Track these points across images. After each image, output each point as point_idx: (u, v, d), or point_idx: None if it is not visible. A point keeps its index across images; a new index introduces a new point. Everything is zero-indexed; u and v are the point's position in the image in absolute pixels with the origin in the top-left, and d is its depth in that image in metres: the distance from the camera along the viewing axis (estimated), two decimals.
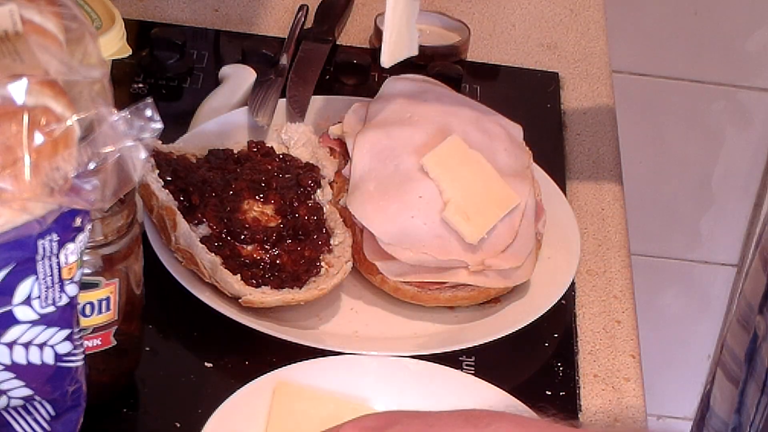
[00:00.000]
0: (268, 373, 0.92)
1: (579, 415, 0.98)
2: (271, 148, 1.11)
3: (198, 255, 0.99)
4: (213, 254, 1.00)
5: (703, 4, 1.99)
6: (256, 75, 1.24)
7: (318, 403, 0.92)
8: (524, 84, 1.34)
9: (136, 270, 0.90)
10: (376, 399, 0.93)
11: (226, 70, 1.25)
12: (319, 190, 1.07)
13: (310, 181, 1.07)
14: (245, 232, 1.02)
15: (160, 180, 1.03)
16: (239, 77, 1.24)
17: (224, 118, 1.18)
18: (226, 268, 0.99)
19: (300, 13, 1.33)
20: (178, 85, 1.24)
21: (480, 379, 0.96)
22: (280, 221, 1.05)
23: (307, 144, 1.13)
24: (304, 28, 1.32)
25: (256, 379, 0.92)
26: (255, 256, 1.02)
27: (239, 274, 0.99)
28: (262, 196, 1.06)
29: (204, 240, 1.01)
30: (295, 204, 1.06)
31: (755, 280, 1.14)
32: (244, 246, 1.02)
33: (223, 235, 1.02)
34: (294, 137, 1.13)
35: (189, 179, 1.05)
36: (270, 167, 1.09)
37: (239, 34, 1.33)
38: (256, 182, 1.06)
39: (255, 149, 1.11)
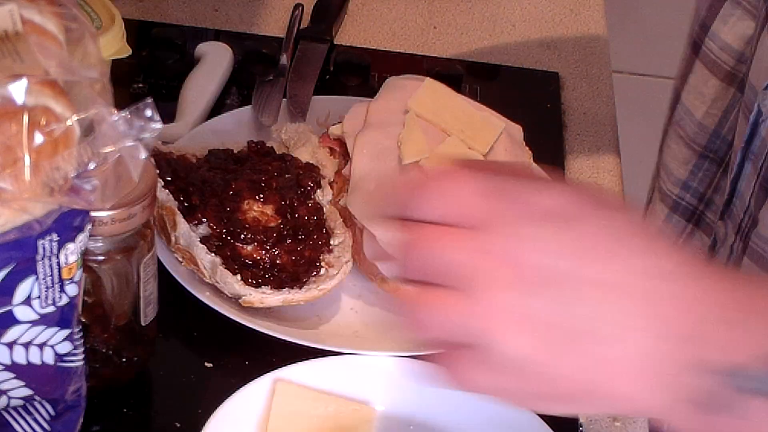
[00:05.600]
0: (268, 374, 0.92)
1: (579, 415, 0.98)
2: (271, 148, 1.11)
3: (198, 255, 0.99)
4: (213, 254, 1.00)
5: None
6: (231, 52, 1.26)
7: (318, 404, 0.92)
8: (524, 84, 1.34)
9: (114, 282, 0.89)
10: (377, 400, 0.93)
11: (202, 47, 1.26)
12: (319, 190, 1.07)
13: (310, 181, 1.07)
14: (245, 232, 1.02)
15: (160, 180, 1.03)
16: (216, 54, 1.26)
17: (224, 117, 1.18)
18: (226, 268, 0.99)
19: (296, 12, 1.33)
20: (178, 85, 1.24)
21: None
22: (280, 221, 1.05)
23: (307, 144, 1.13)
24: (301, 27, 1.32)
25: (256, 379, 0.92)
26: (255, 256, 1.02)
27: (239, 275, 0.99)
28: (262, 196, 1.06)
29: (204, 240, 1.01)
30: (295, 204, 1.05)
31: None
32: (244, 246, 1.02)
33: (223, 235, 1.02)
34: (294, 137, 1.13)
35: (189, 179, 1.05)
36: (270, 167, 1.09)
37: (239, 34, 1.33)
38: (256, 182, 1.06)
39: (255, 149, 1.11)
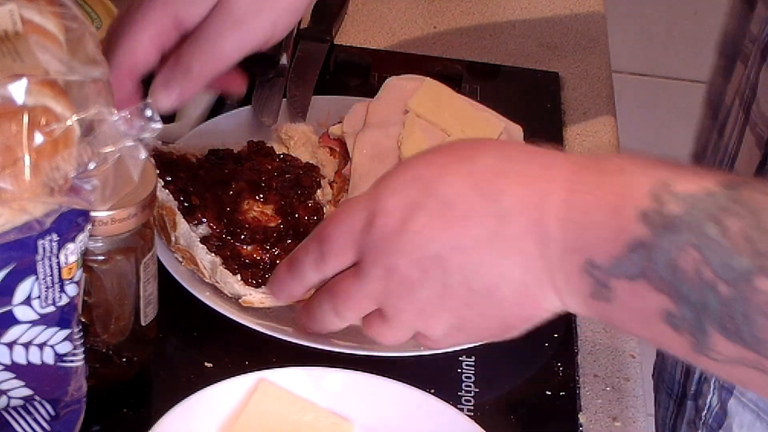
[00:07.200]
0: (255, 372, 0.90)
1: (579, 415, 0.98)
2: (271, 148, 1.11)
3: (198, 255, 0.99)
4: (213, 254, 1.00)
5: (703, 4, 1.99)
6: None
7: (296, 409, 0.90)
8: (524, 84, 1.34)
9: (114, 282, 0.89)
10: (358, 418, 0.91)
11: None
12: (319, 190, 1.07)
13: (310, 181, 1.07)
14: (245, 232, 1.02)
15: (160, 180, 1.03)
16: None
17: (224, 117, 1.18)
18: (226, 268, 0.99)
19: None
20: None
21: (466, 416, 0.93)
22: (280, 221, 1.05)
23: (307, 144, 1.13)
24: (301, 27, 1.32)
25: (241, 375, 0.90)
26: (255, 256, 1.02)
27: (239, 275, 0.99)
28: (262, 196, 1.06)
29: (204, 240, 1.01)
30: (295, 204, 1.06)
31: (748, 156, 1.17)
32: (244, 246, 1.02)
33: (223, 235, 1.02)
34: (294, 137, 1.13)
35: (189, 179, 1.05)
36: (270, 167, 1.09)
37: None
38: (256, 182, 1.06)
39: (255, 149, 1.11)
